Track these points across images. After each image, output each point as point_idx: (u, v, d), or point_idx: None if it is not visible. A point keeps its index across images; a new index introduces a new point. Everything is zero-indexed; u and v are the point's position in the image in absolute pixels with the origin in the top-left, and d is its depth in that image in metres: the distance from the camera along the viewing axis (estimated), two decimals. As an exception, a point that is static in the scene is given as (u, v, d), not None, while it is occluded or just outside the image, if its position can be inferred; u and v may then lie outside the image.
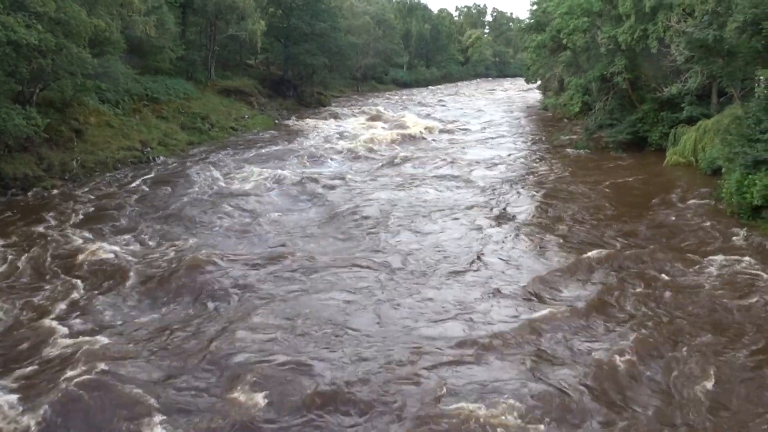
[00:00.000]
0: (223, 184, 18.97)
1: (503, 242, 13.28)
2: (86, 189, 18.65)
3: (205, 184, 18.87)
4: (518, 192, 17.97)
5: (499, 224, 14.69)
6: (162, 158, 23.82)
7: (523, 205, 16.45)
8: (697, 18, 19.44)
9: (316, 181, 19.16)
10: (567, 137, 27.39)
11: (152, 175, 20.79)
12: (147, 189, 18.55)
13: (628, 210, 15.51)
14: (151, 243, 13.38)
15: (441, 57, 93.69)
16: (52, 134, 19.75)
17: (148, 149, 23.84)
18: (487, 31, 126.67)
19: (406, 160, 23.12)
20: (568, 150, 25.06)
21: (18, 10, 17.58)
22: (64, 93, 20.85)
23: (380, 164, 22.43)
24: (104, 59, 21.75)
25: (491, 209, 15.98)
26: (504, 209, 16.13)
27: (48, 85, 20.13)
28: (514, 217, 15.37)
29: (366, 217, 15.26)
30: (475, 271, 11.63)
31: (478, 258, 12.20)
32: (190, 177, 19.86)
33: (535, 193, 17.68)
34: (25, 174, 18.23)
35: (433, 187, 18.68)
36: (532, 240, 13.54)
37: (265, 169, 20.73)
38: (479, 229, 14.22)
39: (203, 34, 38.49)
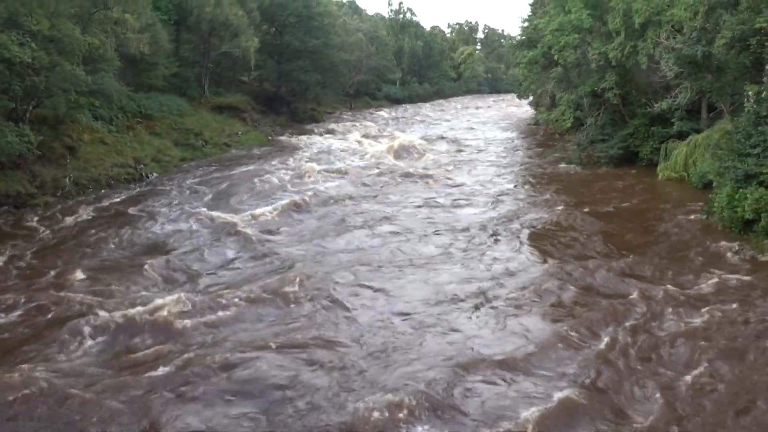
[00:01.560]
0: (198, 215, 16.88)
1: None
2: (70, 205, 18.34)
3: (170, 219, 16.93)
4: (511, 210, 17.87)
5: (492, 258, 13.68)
6: (155, 175, 23.81)
7: (516, 224, 16.39)
8: (686, 34, 19.78)
9: (302, 203, 18.33)
10: (559, 154, 27.57)
11: (128, 197, 20.05)
12: (104, 224, 16.51)
13: (620, 225, 15.63)
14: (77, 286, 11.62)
15: (433, 73, 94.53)
16: (45, 151, 19.73)
17: (142, 166, 23.83)
18: (479, 47, 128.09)
19: (394, 182, 22.39)
20: (561, 165, 25.23)
21: (12, 28, 17.67)
22: (58, 110, 20.89)
23: (365, 189, 21.22)
24: (98, 76, 21.82)
25: (482, 243, 14.41)
26: (499, 226, 16.15)
27: (41, 102, 20.14)
28: (511, 231, 15.43)
29: (332, 270, 12.38)
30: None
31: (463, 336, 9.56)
32: (158, 209, 18.11)
33: (528, 212, 17.50)
34: (18, 191, 18.15)
35: (416, 221, 16.56)
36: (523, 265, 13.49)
37: (240, 194, 19.98)
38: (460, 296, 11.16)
39: (197, 51, 38.71)
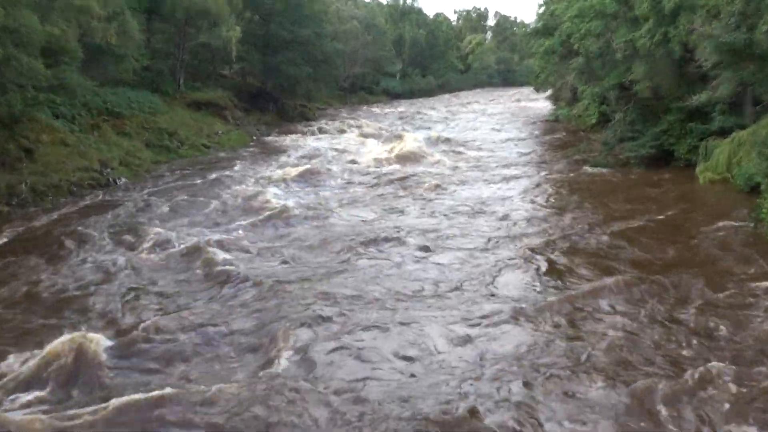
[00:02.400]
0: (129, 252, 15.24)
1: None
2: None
3: (119, 242, 15.80)
4: (525, 229, 17.09)
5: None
6: (124, 180, 23.66)
7: (530, 248, 15.64)
8: (723, 20, 19.69)
9: (275, 222, 17.43)
10: (581, 155, 27.31)
11: (88, 206, 19.52)
12: (42, 246, 15.44)
13: (656, 244, 15.06)
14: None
15: (438, 65, 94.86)
16: (-2, 154, 19.61)
17: (108, 170, 23.69)
18: (489, 36, 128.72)
19: (389, 193, 21.55)
20: (585, 169, 25.03)
21: (-39, 17, 17.59)
22: (13, 108, 20.69)
23: (354, 204, 20.19)
24: (59, 70, 21.69)
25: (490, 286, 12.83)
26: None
27: (-6, 99, 20.04)
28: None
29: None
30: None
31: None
32: (112, 227, 17.08)
33: (545, 231, 16.68)
34: (-33, 200, 18.01)
35: (408, 246, 15.24)
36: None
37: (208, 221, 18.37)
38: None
39: (171, 41, 38.67)
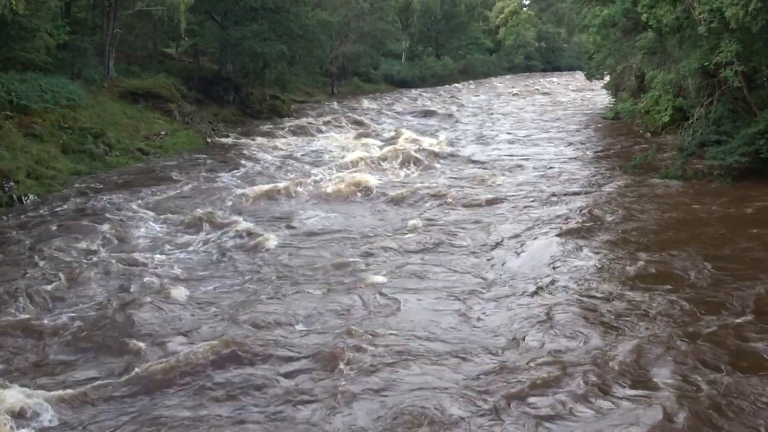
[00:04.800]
0: None
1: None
2: None
3: None
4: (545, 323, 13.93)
5: None
6: (32, 198, 23.71)
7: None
8: None
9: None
10: (646, 164, 27.12)
11: None
12: None
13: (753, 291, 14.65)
14: None
15: (458, 41, 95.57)
16: None
17: (11, 184, 23.74)
18: (527, 2, 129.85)
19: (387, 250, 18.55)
20: (655, 181, 25.01)
21: None
22: None
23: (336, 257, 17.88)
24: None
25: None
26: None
27: None
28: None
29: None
30: None
31: None
32: None
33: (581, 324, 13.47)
34: None
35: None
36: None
37: None
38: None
39: (98, 10, 39.09)
